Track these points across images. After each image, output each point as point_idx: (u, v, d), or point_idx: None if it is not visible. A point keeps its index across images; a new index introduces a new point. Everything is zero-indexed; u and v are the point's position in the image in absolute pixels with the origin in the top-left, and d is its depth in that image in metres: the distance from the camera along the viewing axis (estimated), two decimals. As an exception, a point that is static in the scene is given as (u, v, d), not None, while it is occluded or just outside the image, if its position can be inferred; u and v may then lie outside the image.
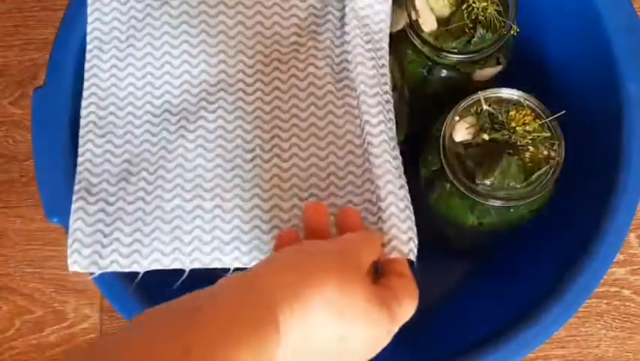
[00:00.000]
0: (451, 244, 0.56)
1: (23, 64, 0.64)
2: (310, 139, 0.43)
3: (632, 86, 0.45)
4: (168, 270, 0.42)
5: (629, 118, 0.45)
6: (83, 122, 0.45)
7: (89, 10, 0.46)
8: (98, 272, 0.42)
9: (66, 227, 0.44)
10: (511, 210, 0.45)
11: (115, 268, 0.42)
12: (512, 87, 0.45)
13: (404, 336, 0.52)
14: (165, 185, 0.43)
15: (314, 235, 0.37)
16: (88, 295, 0.59)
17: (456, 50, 0.46)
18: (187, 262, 0.42)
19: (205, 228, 0.42)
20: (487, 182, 0.43)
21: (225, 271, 0.42)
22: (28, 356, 0.57)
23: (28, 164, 0.62)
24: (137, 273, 0.42)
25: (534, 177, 0.43)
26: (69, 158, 0.45)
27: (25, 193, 0.61)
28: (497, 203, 0.43)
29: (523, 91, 0.45)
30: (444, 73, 0.48)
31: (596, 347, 0.57)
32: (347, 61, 0.44)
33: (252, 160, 0.43)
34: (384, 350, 0.50)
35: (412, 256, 0.39)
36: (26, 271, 0.59)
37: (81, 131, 0.44)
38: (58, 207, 0.44)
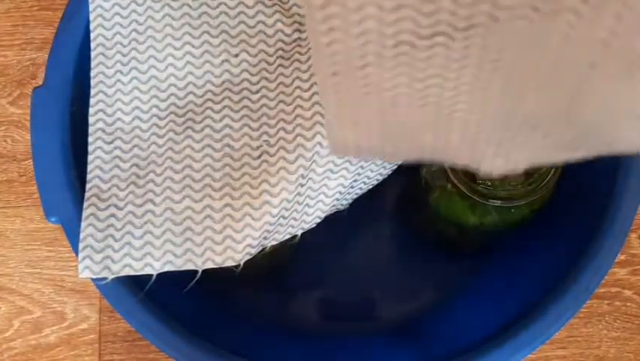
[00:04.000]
0: (451, 244, 0.56)
1: (22, 63, 0.64)
2: (315, 127, 0.43)
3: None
4: (171, 272, 0.42)
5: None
6: (91, 129, 0.45)
7: (92, 16, 0.46)
8: (110, 277, 0.42)
9: (65, 227, 0.44)
10: (512, 210, 0.45)
11: (127, 271, 0.42)
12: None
13: (404, 336, 0.52)
14: (174, 186, 0.43)
15: None
16: (87, 295, 0.58)
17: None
18: (199, 262, 0.42)
19: (216, 228, 0.42)
20: (488, 181, 0.43)
21: (236, 267, 0.42)
22: (27, 356, 0.57)
23: (27, 164, 0.61)
24: (139, 277, 0.42)
25: (535, 176, 0.43)
26: (68, 158, 0.45)
27: (24, 193, 0.61)
28: (498, 203, 0.43)
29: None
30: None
31: (597, 347, 0.57)
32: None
33: (259, 157, 0.43)
34: (384, 349, 0.50)
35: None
36: (25, 272, 0.59)
37: (90, 139, 0.45)
38: (58, 207, 0.44)
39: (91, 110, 0.45)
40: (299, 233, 0.46)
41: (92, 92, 0.45)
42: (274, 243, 0.45)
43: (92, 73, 0.46)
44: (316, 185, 0.45)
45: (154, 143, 0.44)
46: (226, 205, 0.42)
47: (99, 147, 0.44)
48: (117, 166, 0.44)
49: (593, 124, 0.29)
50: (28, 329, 0.58)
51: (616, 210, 0.43)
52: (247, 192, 0.42)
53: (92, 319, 0.58)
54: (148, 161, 0.44)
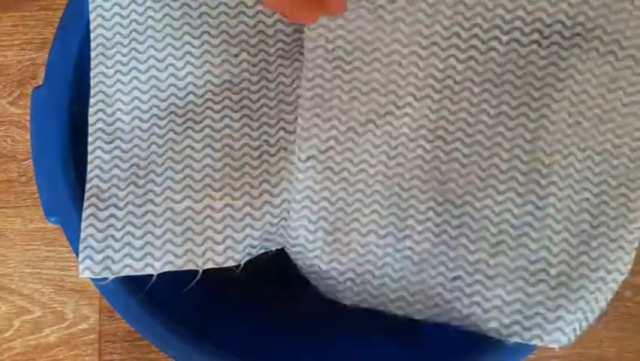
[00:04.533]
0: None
1: (22, 63, 0.64)
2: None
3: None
4: (171, 272, 0.42)
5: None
6: (91, 129, 0.45)
7: (92, 16, 0.46)
8: (111, 277, 0.42)
9: (65, 227, 0.44)
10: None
11: (128, 272, 0.42)
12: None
13: (404, 335, 0.52)
14: (174, 186, 0.43)
15: None
16: (87, 295, 0.58)
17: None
18: (200, 262, 0.42)
19: (216, 228, 0.42)
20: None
21: (236, 267, 0.42)
22: (27, 356, 0.57)
23: (27, 164, 0.62)
24: (139, 277, 0.42)
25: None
26: (68, 158, 0.45)
27: (24, 193, 0.61)
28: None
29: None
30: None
31: (597, 347, 0.57)
32: (305, 79, 0.44)
33: (259, 156, 0.43)
34: (385, 348, 0.50)
35: None
36: (25, 272, 0.59)
37: (90, 138, 0.45)
38: (57, 207, 0.44)
39: (91, 110, 0.45)
40: None
41: (92, 92, 0.45)
42: (278, 246, 0.44)
43: (92, 73, 0.46)
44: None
45: (154, 143, 0.44)
46: (226, 205, 0.42)
47: (99, 147, 0.44)
48: (117, 166, 0.44)
49: None
50: (28, 328, 0.58)
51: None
52: (247, 192, 0.42)
53: (92, 319, 0.58)
54: (148, 161, 0.44)
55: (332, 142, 0.43)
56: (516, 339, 0.41)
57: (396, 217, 0.42)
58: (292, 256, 0.45)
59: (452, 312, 0.42)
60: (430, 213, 0.42)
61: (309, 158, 0.43)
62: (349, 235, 0.43)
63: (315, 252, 0.44)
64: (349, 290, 0.44)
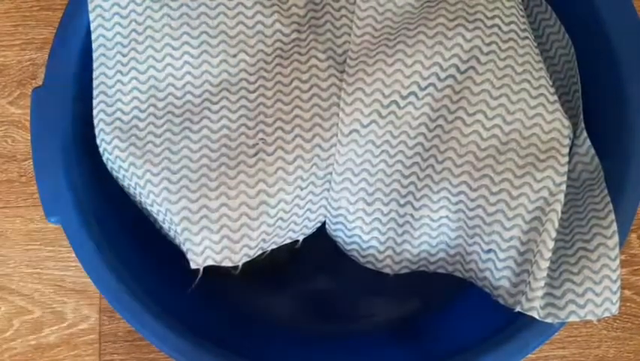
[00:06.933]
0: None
1: (22, 64, 0.64)
2: (314, 128, 0.43)
3: (634, 88, 0.45)
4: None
5: (630, 120, 0.45)
6: (95, 130, 0.45)
7: (92, 16, 0.46)
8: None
9: (65, 227, 0.44)
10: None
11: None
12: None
13: (404, 335, 0.52)
14: (171, 187, 0.43)
15: None
16: (87, 295, 0.58)
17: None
18: (200, 261, 0.42)
19: (212, 228, 0.42)
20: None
21: (234, 268, 0.42)
22: (26, 356, 0.57)
23: (27, 164, 0.61)
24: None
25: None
26: (68, 158, 0.45)
27: (24, 193, 0.61)
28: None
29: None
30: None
31: (597, 347, 0.57)
32: (351, 51, 0.45)
33: (255, 154, 0.43)
34: (384, 348, 0.50)
35: None
36: (25, 272, 0.59)
37: (97, 140, 0.45)
38: (57, 207, 0.44)
39: (94, 112, 0.45)
40: (301, 238, 0.46)
41: (94, 92, 0.45)
42: (274, 246, 0.44)
43: (94, 73, 0.46)
44: (318, 189, 0.44)
45: (150, 142, 0.44)
46: (222, 205, 0.42)
47: (103, 140, 0.45)
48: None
49: None
50: (28, 329, 0.58)
51: (615, 210, 0.43)
52: (243, 191, 0.42)
53: (92, 319, 0.58)
54: (144, 160, 0.44)
55: (374, 116, 0.43)
56: (549, 320, 0.41)
57: (430, 190, 0.43)
58: (332, 231, 0.47)
59: (484, 280, 0.43)
60: (464, 187, 0.43)
61: (351, 132, 0.43)
62: (388, 205, 0.44)
63: (355, 222, 0.45)
64: (389, 259, 0.46)
